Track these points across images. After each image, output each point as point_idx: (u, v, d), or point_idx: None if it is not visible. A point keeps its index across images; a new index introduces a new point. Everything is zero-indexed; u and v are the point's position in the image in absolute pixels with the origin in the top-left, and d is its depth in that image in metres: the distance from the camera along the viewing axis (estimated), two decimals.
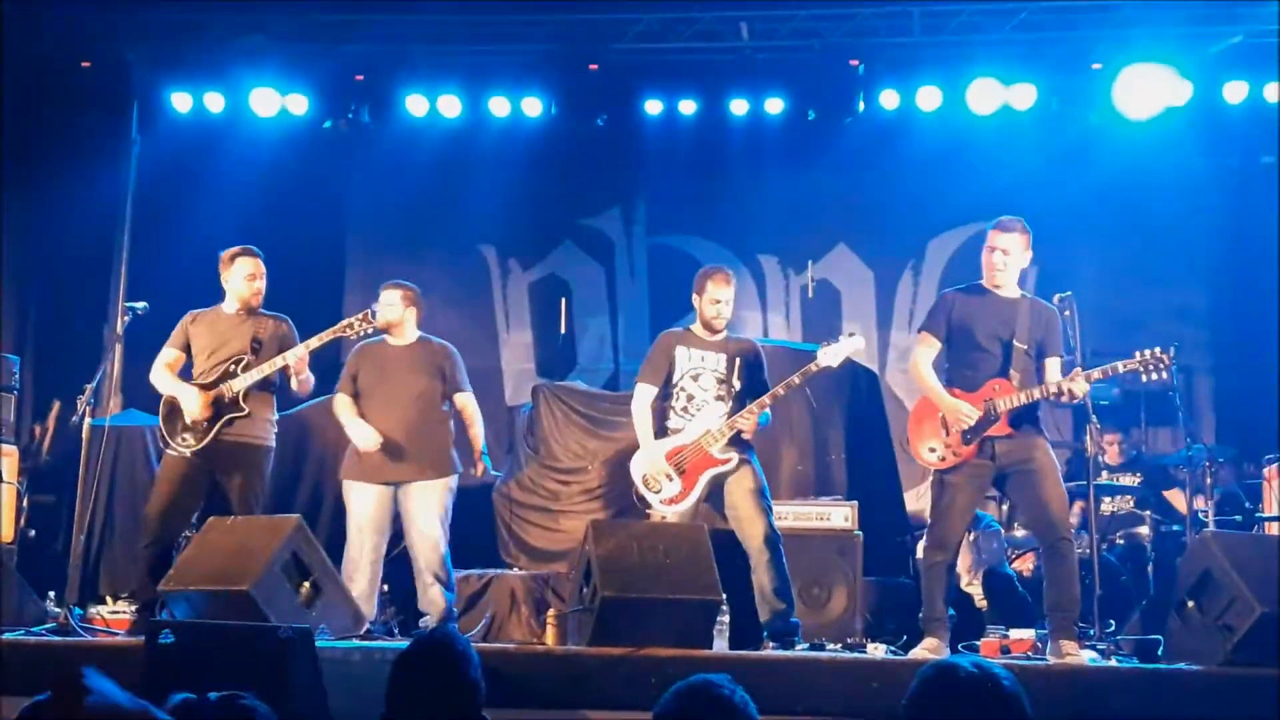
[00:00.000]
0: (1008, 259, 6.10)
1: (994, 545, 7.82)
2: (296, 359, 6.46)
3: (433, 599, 6.64)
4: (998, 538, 7.88)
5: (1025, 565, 7.88)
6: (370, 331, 6.66)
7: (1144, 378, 6.01)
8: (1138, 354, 5.93)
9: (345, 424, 6.80)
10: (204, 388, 6.45)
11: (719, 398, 6.48)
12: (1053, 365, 6.12)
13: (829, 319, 10.28)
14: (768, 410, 6.49)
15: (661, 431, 6.52)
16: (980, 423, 5.93)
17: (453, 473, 6.80)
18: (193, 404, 6.39)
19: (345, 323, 6.59)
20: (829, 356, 6.40)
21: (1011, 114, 9.31)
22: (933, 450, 6.07)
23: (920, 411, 6.22)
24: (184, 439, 6.41)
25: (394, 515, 6.76)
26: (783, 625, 6.15)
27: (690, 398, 6.50)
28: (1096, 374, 5.91)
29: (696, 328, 6.66)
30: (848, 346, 6.48)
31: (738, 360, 6.54)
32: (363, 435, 6.68)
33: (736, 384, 6.50)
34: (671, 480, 6.38)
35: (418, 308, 7.00)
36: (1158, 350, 5.91)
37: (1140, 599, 7.38)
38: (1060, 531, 5.88)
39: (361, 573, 6.60)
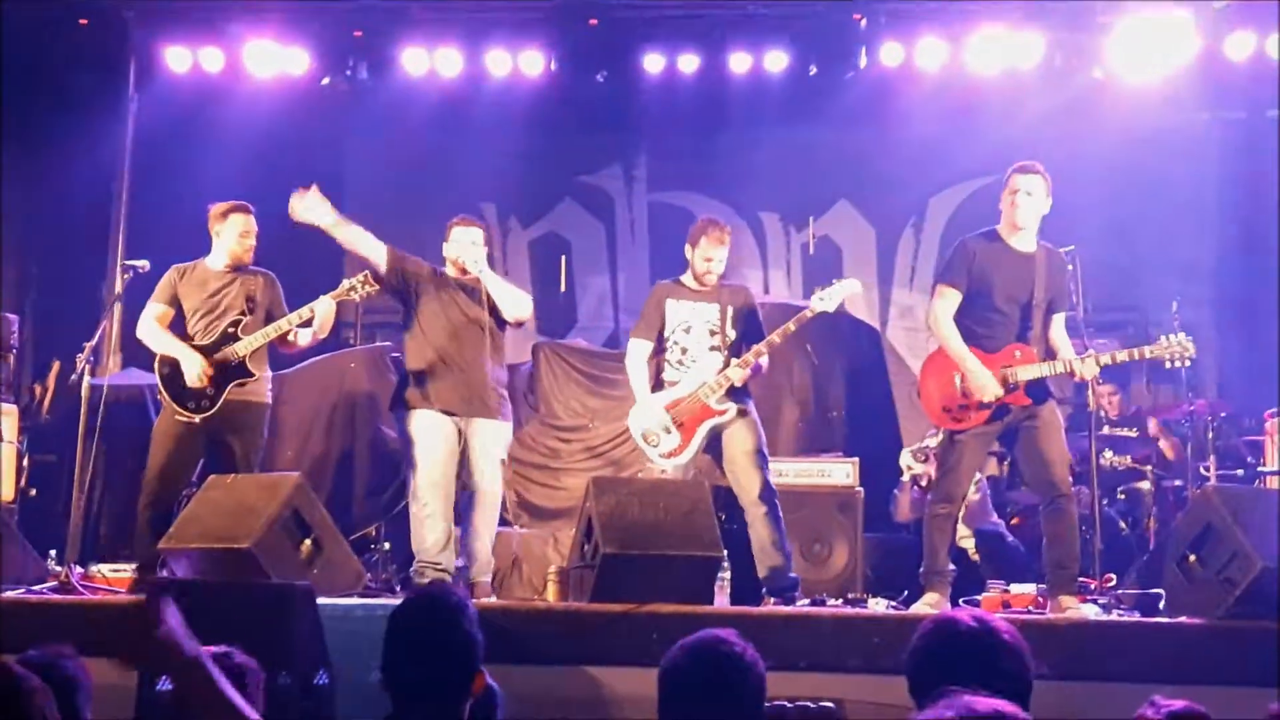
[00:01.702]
0: (1031, 200, 5.95)
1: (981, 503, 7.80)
2: (323, 316, 6.31)
3: (480, 549, 6.22)
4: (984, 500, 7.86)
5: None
6: (372, 293, 6.47)
7: (1167, 364, 5.94)
8: (1163, 339, 5.89)
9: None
10: (205, 351, 6.32)
11: (713, 349, 6.39)
12: (1058, 321, 6.07)
13: (830, 276, 10.18)
14: (765, 357, 6.40)
15: (658, 385, 6.42)
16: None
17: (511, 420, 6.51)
18: (195, 370, 6.25)
19: (347, 285, 6.41)
20: (823, 301, 6.33)
21: (1015, 69, 9.23)
22: (946, 410, 6.00)
23: (935, 366, 6.10)
24: (191, 405, 6.27)
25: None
26: (782, 580, 6.13)
27: (684, 350, 6.41)
28: (1123, 355, 5.89)
29: (687, 278, 6.53)
30: (841, 290, 6.40)
31: (730, 309, 6.44)
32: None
33: (731, 333, 6.42)
34: (670, 433, 6.31)
35: (490, 247, 6.78)
36: (1182, 337, 5.87)
37: (1140, 553, 7.39)
38: (1061, 489, 5.85)
39: (440, 505, 6.11)
